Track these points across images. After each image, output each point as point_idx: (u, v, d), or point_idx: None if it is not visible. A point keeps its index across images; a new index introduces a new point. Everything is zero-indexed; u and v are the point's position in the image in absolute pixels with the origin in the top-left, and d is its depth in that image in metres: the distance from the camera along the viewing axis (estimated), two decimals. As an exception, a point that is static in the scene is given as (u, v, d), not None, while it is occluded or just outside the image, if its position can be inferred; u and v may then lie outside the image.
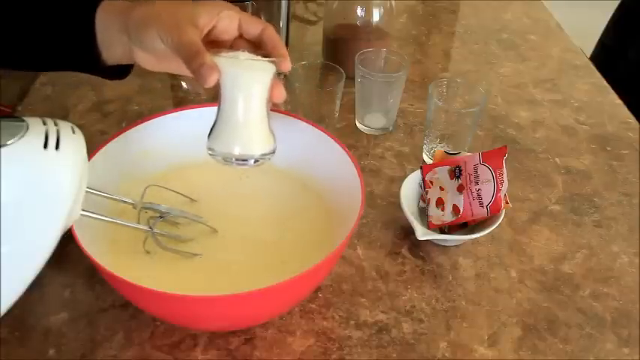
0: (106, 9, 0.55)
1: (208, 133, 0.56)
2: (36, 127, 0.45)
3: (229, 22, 0.55)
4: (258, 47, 0.56)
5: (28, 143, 0.44)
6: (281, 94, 0.56)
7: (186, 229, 0.61)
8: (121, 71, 0.60)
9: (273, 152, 0.57)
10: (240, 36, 0.56)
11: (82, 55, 0.57)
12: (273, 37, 0.55)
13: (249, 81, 0.53)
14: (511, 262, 0.67)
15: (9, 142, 0.43)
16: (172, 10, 0.53)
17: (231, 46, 0.56)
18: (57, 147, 0.45)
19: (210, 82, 0.50)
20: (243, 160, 0.55)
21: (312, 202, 0.65)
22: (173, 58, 0.52)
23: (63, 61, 0.59)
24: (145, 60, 0.57)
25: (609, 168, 0.82)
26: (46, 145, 0.45)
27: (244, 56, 0.53)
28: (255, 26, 0.55)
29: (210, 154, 0.55)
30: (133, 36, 0.54)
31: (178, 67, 0.54)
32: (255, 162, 0.55)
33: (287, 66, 0.54)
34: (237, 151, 0.55)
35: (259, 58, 0.53)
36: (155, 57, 0.56)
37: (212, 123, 0.55)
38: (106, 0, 0.55)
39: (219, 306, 0.50)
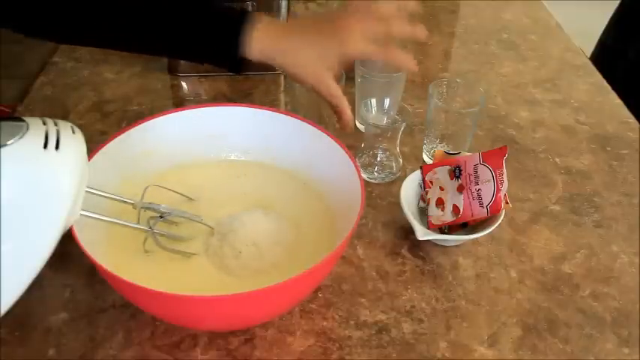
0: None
1: None
2: (36, 127, 0.45)
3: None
4: None
5: (28, 143, 0.44)
6: None
7: (185, 229, 0.61)
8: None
9: None
10: None
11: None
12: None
13: None
14: (511, 262, 0.67)
15: (9, 142, 0.43)
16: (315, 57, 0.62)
17: None
18: (57, 147, 0.45)
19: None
20: None
21: (312, 202, 0.65)
22: None
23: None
24: None
25: (609, 168, 0.82)
26: (46, 145, 0.45)
27: None
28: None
29: None
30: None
31: None
32: None
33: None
34: None
35: None
36: None
37: None
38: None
39: (219, 306, 0.50)
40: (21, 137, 0.44)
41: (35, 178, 0.44)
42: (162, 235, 0.58)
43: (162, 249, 0.58)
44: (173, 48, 0.65)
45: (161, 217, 0.59)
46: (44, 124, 0.46)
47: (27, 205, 0.43)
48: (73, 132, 0.48)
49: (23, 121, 0.45)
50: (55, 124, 0.47)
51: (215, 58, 0.63)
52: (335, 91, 0.64)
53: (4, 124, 0.45)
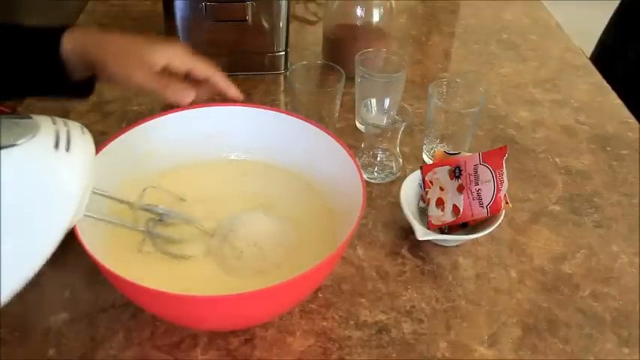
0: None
1: None
2: (46, 127, 0.45)
3: (180, 64, 0.63)
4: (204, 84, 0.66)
5: (40, 143, 0.44)
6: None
7: (186, 229, 0.61)
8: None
9: None
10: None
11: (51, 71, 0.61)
12: (222, 83, 0.66)
13: None
14: (511, 262, 0.67)
15: (20, 142, 0.42)
16: (123, 51, 0.62)
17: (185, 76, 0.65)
18: (67, 148, 0.45)
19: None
20: None
21: (313, 202, 0.65)
22: None
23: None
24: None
25: (609, 168, 0.82)
26: (57, 146, 0.44)
27: None
28: (203, 72, 0.65)
29: None
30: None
31: None
32: None
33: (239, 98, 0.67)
34: None
35: None
36: None
37: None
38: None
39: (220, 306, 0.50)
40: (32, 137, 0.43)
41: (45, 179, 0.44)
42: (162, 236, 0.58)
43: (162, 252, 0.58)
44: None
45: (160, 219, 0.59)
46: (54, 123, 0.46)
47: (34, 205, 0.43)
48: (83, 132, 0.48)
49: (31, 118, 0.45)
50: (65, 124, 0.47)
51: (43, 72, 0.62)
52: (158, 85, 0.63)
53: (15, 122, 0.44)
